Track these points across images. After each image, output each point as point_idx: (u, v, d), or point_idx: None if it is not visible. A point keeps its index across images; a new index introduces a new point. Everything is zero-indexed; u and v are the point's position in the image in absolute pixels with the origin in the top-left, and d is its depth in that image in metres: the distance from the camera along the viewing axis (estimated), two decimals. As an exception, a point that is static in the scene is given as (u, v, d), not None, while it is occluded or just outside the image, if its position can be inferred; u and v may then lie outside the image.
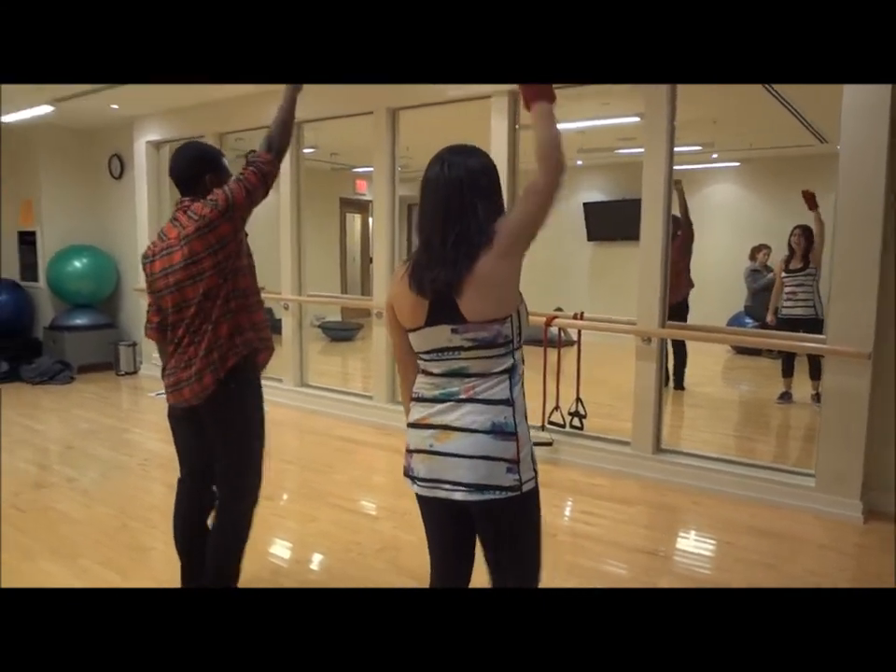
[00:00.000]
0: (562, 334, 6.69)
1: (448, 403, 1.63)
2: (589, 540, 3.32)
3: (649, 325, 4.09)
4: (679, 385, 6.10)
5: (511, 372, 1.62)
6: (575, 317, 4.52)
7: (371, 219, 7.84)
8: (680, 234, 5.93)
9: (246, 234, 2.38)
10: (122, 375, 7.25)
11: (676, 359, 6.03)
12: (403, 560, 3.11)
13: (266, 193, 2.31)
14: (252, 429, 2.46)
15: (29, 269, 7.51)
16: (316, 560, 3.20)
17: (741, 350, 7.85)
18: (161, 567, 3.01)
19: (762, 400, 6.40)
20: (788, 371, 5.78)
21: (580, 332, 4.72)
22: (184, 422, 2.47)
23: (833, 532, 3.40)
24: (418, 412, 1.69)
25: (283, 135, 2.36)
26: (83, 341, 7.20)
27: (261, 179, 2.25)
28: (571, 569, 2.99)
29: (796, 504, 3.64)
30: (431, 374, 1.67)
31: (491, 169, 1.65)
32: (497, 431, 1.59)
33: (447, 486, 1.62)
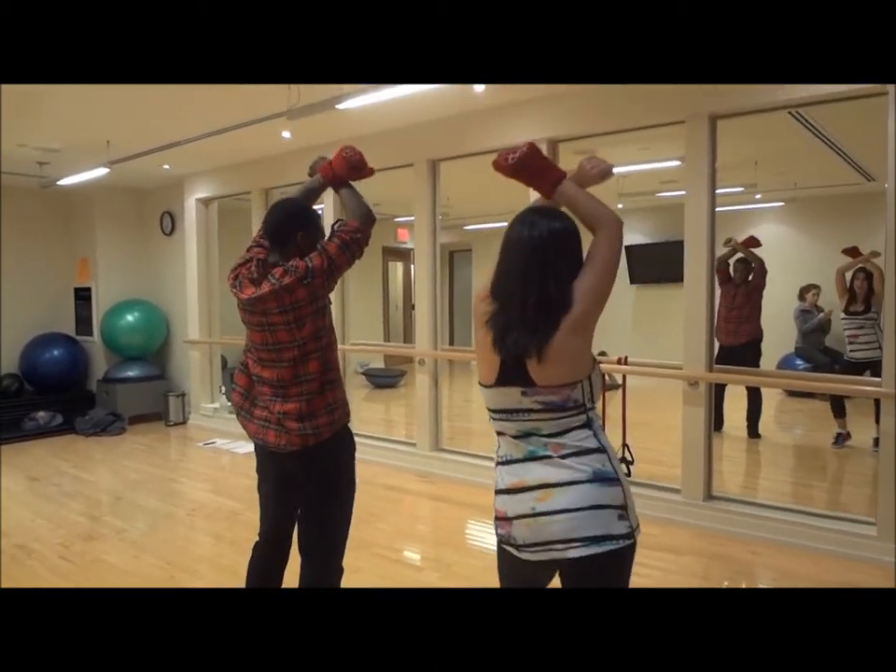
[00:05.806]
0: (606, 378, 6.59)
1: (539, 461, 1.56)
2: (640, 592, 3.22)
3: (695, 368, 4.01)
4: (755, 434, 5.90)
5: (588, 424, 1.57)
6: (619, 362, 4.47)
7: (412, 267, 7.93)
8: (752, 279, 5.86)
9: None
10: (171, 425, 7.38)
11: (750, 406, 5.87)
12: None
13: (351, 259, 2.27)
14: (351, 492, 2.39)
15: (84, 323, 7.76)
16: (361, 612, 3.16)
17: (793, 393, 7.64)
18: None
19: (817, 444, 6.18)
20: (839, 412, 5.60)
21: (624, 377, 4.65)
22: (270, 470, 2.39)
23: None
24: (509, 476, 1.61)
25: (357, 207, 2.34)
26: (134, 392, 7.36)
27: (342, 247, 2.23)
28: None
29: (857, 554, 3.48)
30: (508, 436, 1.62)
31: (574, 233, 1.60)
32: (600, 479, 1.52)
33: (559, 546, 1.53)
